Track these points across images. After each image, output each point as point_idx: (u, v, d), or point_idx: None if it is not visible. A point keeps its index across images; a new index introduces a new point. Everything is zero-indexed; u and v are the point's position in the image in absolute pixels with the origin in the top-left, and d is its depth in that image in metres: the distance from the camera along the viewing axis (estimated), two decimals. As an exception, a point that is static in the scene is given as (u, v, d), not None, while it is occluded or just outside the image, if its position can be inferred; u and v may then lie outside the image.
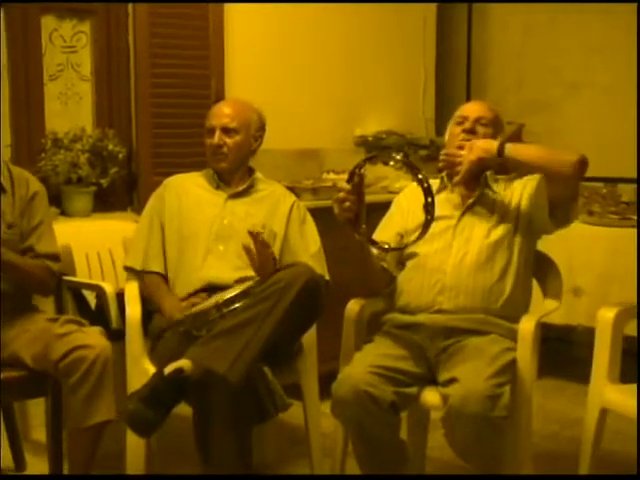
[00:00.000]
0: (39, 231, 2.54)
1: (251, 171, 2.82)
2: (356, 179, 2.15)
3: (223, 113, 2.74)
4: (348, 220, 2.16)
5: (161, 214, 2.72)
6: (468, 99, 4.81)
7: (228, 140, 2.70)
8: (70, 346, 2.27)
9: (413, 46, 4.68)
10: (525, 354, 2.27)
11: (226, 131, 2.70)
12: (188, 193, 2.74)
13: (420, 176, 2.10)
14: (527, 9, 4.50)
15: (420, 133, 4.56)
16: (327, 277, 2.65)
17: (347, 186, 2.15)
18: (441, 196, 2.48)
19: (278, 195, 2.80)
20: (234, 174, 2.76)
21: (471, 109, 2.52)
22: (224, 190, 2.75)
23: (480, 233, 2.40)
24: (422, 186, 2.11)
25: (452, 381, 2.14)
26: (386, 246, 2.25)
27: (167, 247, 2.68)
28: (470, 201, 2.45)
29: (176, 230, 2.68)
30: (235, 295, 2.35)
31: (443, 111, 4.62)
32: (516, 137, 4.30)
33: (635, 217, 3.57)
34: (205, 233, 2.65)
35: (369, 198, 3.47)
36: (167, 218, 2.71)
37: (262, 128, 2.80)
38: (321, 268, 2.64)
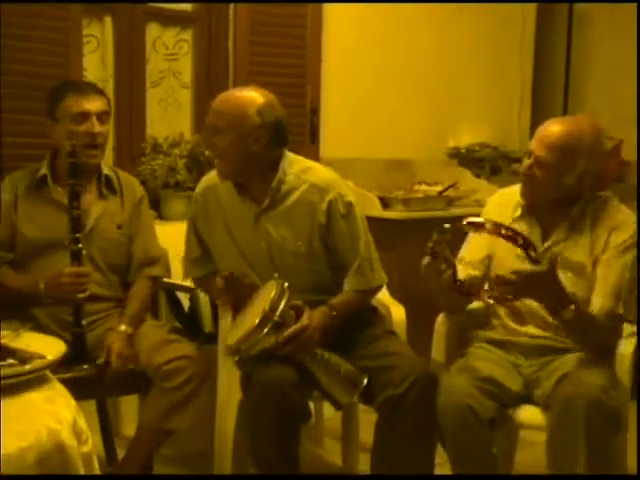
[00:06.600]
0: (144, 234, 2.63)
1: (273, 171, 2.37)
2: (437, 249, 2.13)
3: (212, 110, 2.34)
4: (449, 284, 2.16)
5: (200, 221, 2.50)
6: (565, 113, 4.71)
7: (218, 143, 2.32)
8: (176, 354, 2.34)
9: (510, 53, 4.61)
10: (623, 377, 2.22)
11: (215, 131, 2.33)
12: (226, 203, 2.44)
13: (509, 233, 2.08)
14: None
15: (514, 146, 4.49)
16: (384, 280, 2.48)
17: (446, 269, 2.14)
18: (521, 224, 2.34)
19: (311, 198, 2.38)
20: (247, 184, 2.40)
21: (537, 143, 2.26)
22: (250, 200, 2.40)
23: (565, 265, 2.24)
24: (517, 244, 2.09)
25: (559, 381, 2.13)
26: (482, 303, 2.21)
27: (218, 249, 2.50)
28: (552, 241, 2.30)
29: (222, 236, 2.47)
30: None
31: (539, 123, 4.52)
32: (615, 153, 4.21)
33: None
34: (240, 255, 2.43)
35: (462, 211, 3.52)
36: (209, 225, 2.48)
37: (263, 126, 2.30)
38: (372, 271, 2.43)
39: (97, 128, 2.49)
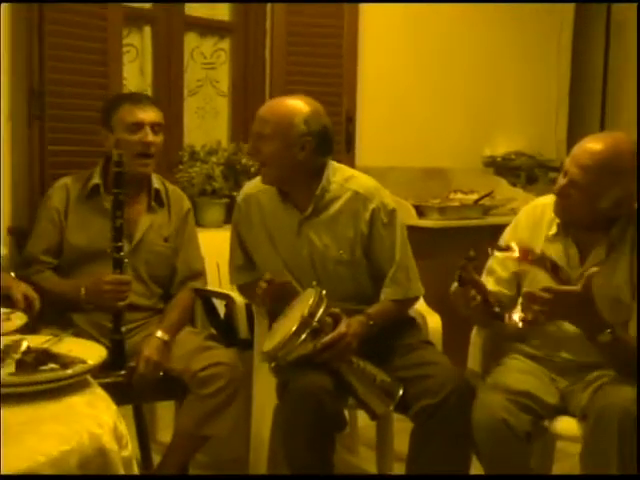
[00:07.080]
0: (189, 248, 2.67)
1: (317, 179, 2.39)
2: (466, 276, 2.08)
3: (258, 117, 2.37)
4: (481, 309, 2.13)
5: (242, 228, 2.53)
6: (602, 121, 4.67)
7: (263, 149, 2.34)
8: (212, 361, 2.37)
9: (547, 60, 4.59)
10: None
11: (260, 138, 2.35)
12: (269, 211, 2.47)
13: (536, 258, 2.06)
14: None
15: (550, 155, 4.47)
16: (421, 292, 2.48)
17: (476, 294, 2.09)
18: (556, 245, 2.24)
19: (354, 207, 2.39)
20: (291, 191, 2.42)
21: (572, 162, 2.11)
22: (293, 208, 2.43)
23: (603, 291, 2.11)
24: (545, 268, 2.07)
25: (595, 392, 2.10)
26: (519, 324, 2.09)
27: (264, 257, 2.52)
28: (590, 264, 2.16)
29: (267, 245, 2.49)
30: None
31: (576, 131, 4.50)
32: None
33: None
34: (282, 262, 2.45)
35: (498, 220, 3.50)
36: (252, 232, 2.51)
37: (309, 134, 2.32)
38: (409, 281, 2.43)
39: (150, 137, 2.54)
